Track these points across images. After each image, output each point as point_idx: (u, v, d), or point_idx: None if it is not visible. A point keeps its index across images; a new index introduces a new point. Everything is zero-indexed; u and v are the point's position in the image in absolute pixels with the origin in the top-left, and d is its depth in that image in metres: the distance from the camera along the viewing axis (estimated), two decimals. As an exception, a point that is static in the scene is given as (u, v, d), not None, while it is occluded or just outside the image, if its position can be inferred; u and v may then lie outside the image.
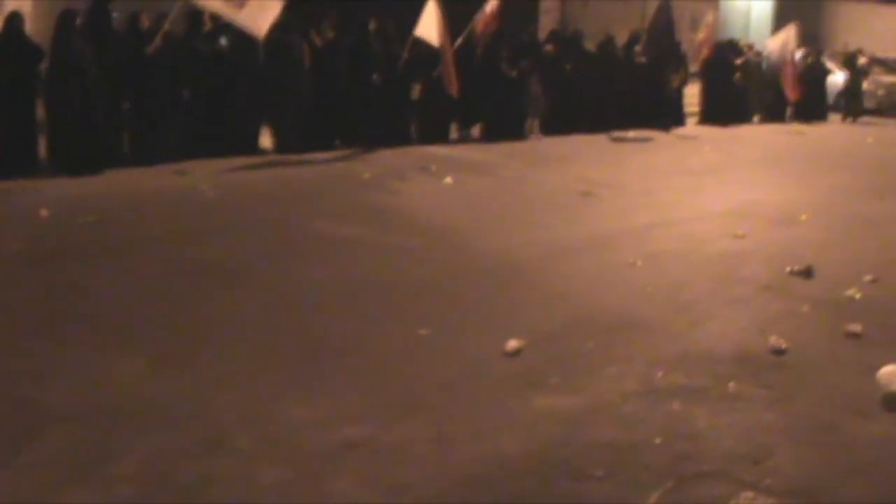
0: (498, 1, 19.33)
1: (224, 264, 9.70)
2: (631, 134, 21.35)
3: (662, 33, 22.72)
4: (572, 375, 6.82)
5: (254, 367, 6.87)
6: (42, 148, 14.55)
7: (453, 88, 18.18)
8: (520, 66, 20.07)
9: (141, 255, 9.99)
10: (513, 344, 7.29)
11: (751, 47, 27.58)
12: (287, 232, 11.27)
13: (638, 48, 23.10)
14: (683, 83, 24.13)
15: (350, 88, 18.03)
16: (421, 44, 18.11)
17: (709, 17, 24.94)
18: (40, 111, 14.59)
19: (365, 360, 7.10)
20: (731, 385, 6.72)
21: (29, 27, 15.17)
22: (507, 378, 6.77)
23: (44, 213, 11.76)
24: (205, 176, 14.40)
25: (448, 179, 14.81)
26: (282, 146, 17.02)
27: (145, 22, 15.62)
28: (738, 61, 25.88)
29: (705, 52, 24.74)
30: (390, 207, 12.89)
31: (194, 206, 12.67)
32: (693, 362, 7.18)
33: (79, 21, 14.69)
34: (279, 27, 16.88)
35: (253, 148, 16.74)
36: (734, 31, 34.09)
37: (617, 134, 21.13)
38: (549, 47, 21.64)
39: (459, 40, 18.89)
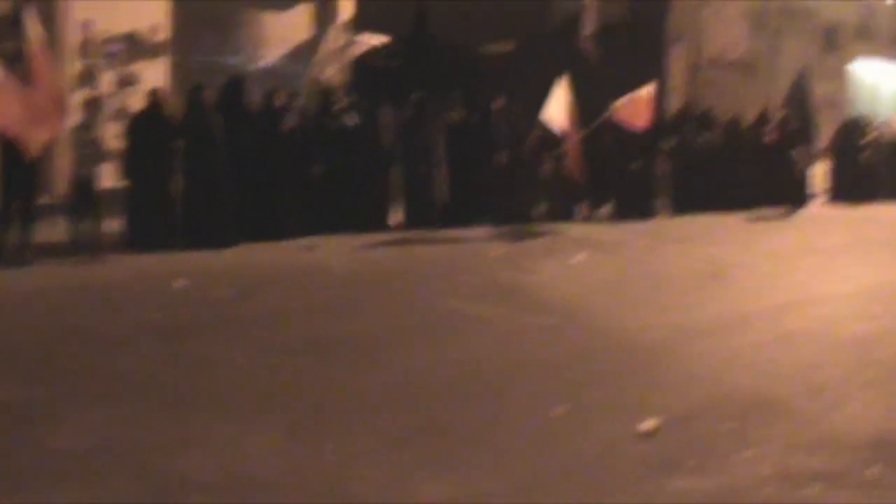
0: (652, 90, 19.05)
1: (352, 341, 9.83)
2: (760, 213, 21.26)
3: (797, 108, 22.55)
4: (708, 458, 6.75)
5: (386, 444, 6.89)
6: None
7: (576, 174, 18.20)
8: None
9: (272, 329, 10.18)
10: (648, 425, 7.24)
11: (880, 124, 27.31)
12: (418, 309, 11.38)
13: (768, 127, 23.00)
14: (811, 162, 23.94)
15: (477, 167, 18.22)
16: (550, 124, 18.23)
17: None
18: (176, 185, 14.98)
19: (497, 440, 7.09)
20: (871, 470, 6.60)
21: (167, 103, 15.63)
22: (643, 459, 6.72)
23: (179, 284, 12.03)
24: (333, 252, 14.62)
25: (578, 258, 14.85)
26: (411, 223, 17.21)
27: (280, 100, 15.95)
28: (867, 139, 25.62)
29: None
30: (520, 286, 12.96)
31: (323, 281, 12.86)
32: (831, 446, 7.05)
33: (213, 97, 15.10)
34: (413, 105, 17.22)
35: (382, 224, 16.96)
36: (863, 108, 33.70)
37: (748, 213, 21.06)
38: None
39: (595, 123, 18.82)
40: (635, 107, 18.86)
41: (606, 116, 18.97)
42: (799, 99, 23.32)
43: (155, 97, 15.06)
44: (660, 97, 21.12)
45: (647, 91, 18.97)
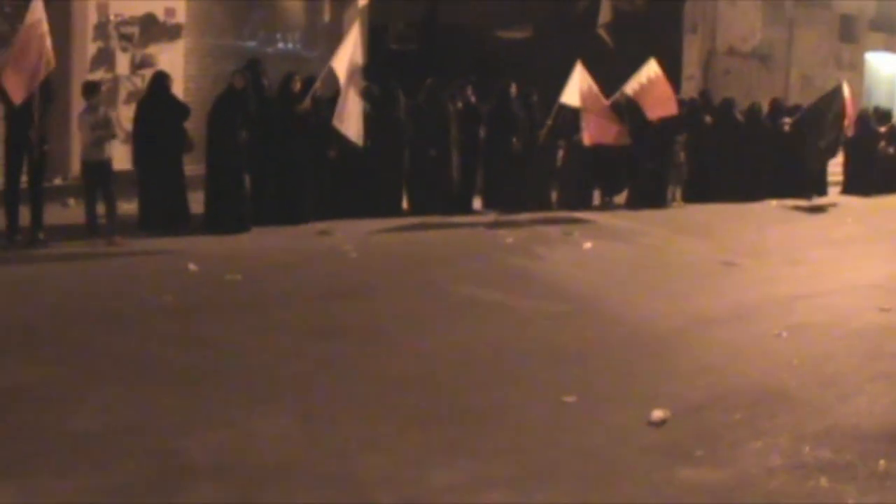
0: (657, 74, 18.92)
1: (366, 325, 9.87)
2: (774, 203, 21.25)
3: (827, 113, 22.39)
4: (717, 448, 6.78)
5: (397, 429, 6.93)
6: (194, 205, 14.90)
7: (623, 138, 18.15)
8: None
9: (284, 313, 10.21)
10: (658, 414, 7.26)
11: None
12: (430, 295, 11.40)
13: (789, 119, 22.83)
14: (832, 154, 23.71)
15: (491, 153, 18.23)
16: (566, 110, 18.20)
17: (845, 90, 24.46)
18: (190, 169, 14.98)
19: (509, 426, 7.13)
20: (881, 463, 6.61)
21: (182, 86, 15.59)
22: (652, 449, 6.75)
23: (192, 268, 12.06)
24: (348, 237, 14.63)
25: (588, 245, 14.86)
26: (420, 208, 17.20)
27: (297, 84, 15.92)
28: (883, 130, 25.51)
29: (848, 123, 24.39)
30: (532, 273, 12.98)
31: (337, 266, 12.88)
32: (840, 438, 7.07)
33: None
34: (426, 91, 17.22)
35: (396, 209, 16.97)
36: (878, 99, 33.63)
37: (763, 203, 21.07)
38: (708, 118, 21.53)
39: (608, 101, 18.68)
40: (655, 95, 18.76)
41: (617, 99, 18.82)
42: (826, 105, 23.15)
43: (161, 79, 14.98)
44: (675, 87, 21.01)
45: (655, 74, 18.83)
